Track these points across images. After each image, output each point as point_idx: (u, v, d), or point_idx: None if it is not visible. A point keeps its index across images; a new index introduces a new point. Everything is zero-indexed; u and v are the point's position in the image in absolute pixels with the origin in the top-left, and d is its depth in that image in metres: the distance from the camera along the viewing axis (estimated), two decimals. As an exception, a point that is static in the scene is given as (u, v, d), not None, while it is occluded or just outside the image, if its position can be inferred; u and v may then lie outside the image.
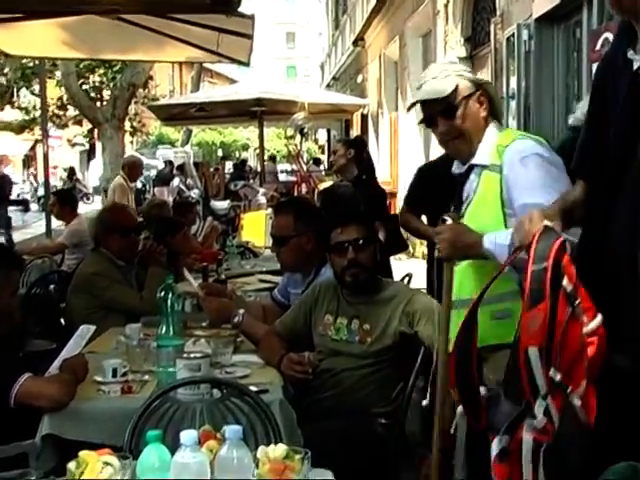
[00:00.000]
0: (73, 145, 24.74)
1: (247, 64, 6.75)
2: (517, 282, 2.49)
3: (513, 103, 6.87)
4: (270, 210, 11.31)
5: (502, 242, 2.40)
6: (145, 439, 1.80)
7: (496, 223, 2.55)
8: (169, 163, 22.90)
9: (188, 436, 1.75)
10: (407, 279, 4.81)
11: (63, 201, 7.24)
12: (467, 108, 2.64)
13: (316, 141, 36.11)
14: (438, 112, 2.66)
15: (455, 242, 2.47)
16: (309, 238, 3.74)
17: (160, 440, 1.79)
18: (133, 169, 9.37)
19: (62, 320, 4.80)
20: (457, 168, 2.78)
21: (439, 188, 2.98)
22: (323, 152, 31.04)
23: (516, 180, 2.54)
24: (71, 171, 26.83)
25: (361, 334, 3.24)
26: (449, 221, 2.52)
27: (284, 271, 4.04)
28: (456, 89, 2.63)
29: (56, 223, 8.04)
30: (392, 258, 6.08)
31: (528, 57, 6.66)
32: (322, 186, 10.06)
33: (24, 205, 23.86)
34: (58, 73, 17.25)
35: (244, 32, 5.76)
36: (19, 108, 24.01)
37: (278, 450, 1.85)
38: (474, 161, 2.67)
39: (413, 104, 2.72)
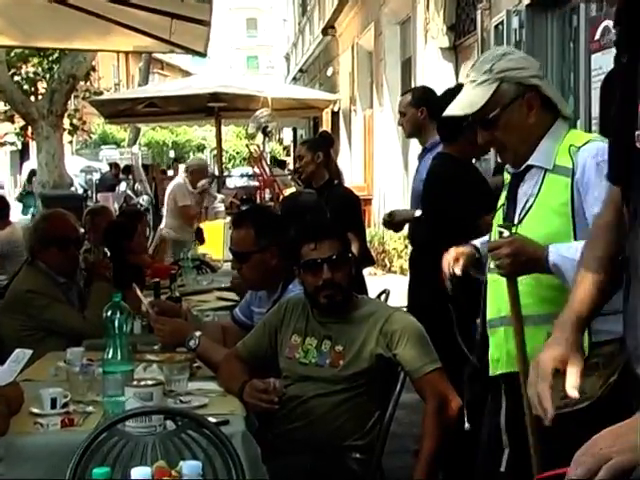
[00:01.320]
0: (2, 144, 24.46)
1: (204, 55, 6.74)
2: None
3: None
4: (229, 219, 11.31)
5: (571, 256, 2.38)
6: (91, 478, 1.80)
7: (563, 233, 2.55)
8: (114, 166, 22.81)
9: (140, 473, 1.75)
10: (384, 296, 4.83)
11: None
12: (509, 118, 2.65)
13: (280, 141, 36.15)
14: (477, 123, 2.69)
15: (518, 256, 2.47)
16: (272, 253, 3.76)
17: (108, 478, 1.78)
18: (198, 173, 9.51)
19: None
20: (510, 167, 2.79)
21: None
22: (288, 154, 31.07)
23: (591, 185, 2.54)
24: (32, 173, 26.73)
25: (333, 356, 3.25)
26: (505, 233, 2.52)
27: (247, 289, 4.05)
28: (494, 97, 2.62)
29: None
30: (366, 273, 6.11)
31: (518, 47, 6.74)
32: (287, 192, 10.07)
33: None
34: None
35: (201, 18, 5.75)
36: (-61, 102, 23.78)
37: (241, 489, 1.85)
38: (533, 162, 2.68)
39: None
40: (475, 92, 2.65)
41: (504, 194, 2.82)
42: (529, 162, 2.69)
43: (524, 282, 2.59)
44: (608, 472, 1.45)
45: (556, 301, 2.54)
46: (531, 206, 2.66)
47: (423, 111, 5.16)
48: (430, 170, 4.48)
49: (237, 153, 37.52)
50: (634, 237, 1.80)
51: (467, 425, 2.68)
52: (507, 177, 2.84)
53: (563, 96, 6.36)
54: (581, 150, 2.61)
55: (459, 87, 3.02)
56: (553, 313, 2.54)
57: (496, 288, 2.66)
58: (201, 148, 39.78)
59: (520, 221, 2.66)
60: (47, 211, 5.08)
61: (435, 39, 10.33)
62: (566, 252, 2.44)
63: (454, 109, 2.71)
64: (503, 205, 2.78)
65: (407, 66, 12.46)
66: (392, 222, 5.26)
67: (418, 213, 5.06)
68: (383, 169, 14.30)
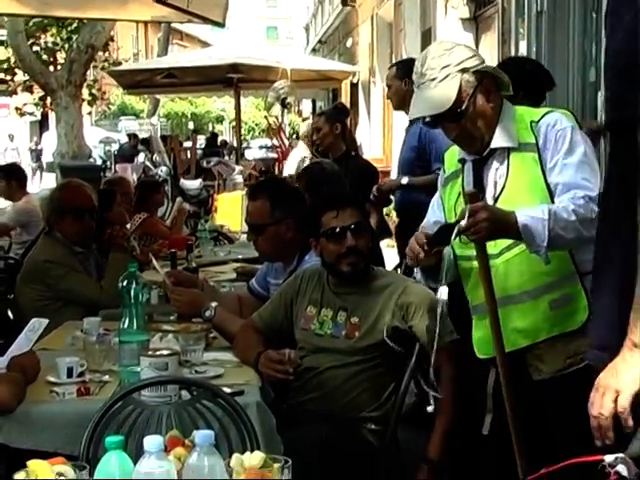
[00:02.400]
0: (22, 115, 24.50)
1: (222, 25, 6.69)
2: (571, 261, 2.61)
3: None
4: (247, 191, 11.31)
5: (539, 216, 2.47)
6: (104, 446, 1.80)
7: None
8: (133, 137, 22.83)
9: (153, 442, 1.75)
10: (400, 268, 4.82)
11: (9, 177, 7.18)
12: (475, 107, 2.68)
13: (299, 113, 36.03)
14: (444, 118, 2.69)
15: (494, 221, 2.48)
16: (288, 225, 3.75)
17: (121, 447, 1.79)
18: None
19: (10, 313, 4.78)
20: (467, 155, 2.80)
21: None
22: (307, 126, 30.95)
23: (550, 154, 2.63)
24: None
25: (348, 328, 3.24)
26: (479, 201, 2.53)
27: (263, 261, 4.05)
28: (460, 89, 2.64)
29: (5, 203, 7.98)
30: (383, 245, 6.11)
31: (540, 18, 6.67)
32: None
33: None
34: (4, 32, 17.11)
35: (218, -13, 5.72)
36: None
37: (254, 458, 1.85)
38: (497, 144, 2.71)
39: (416, 118, 2.80)
40: (440, 89, 2.65)
41: (457, 182, 2.82)
42: (492, 145, 2.72)
43: (514, 261, 2.64)
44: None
45: (549, 272, 2.63)
46: (503, 187, 2.69)
47: (407, 82, 5.17)
48: None
49: (256, 125, 37.47)
50: None
51: (430, 408, 2.70)
52: (457, 166, 2.84)
53: (584, 67, 6.31)
54: (540, 123, 2.67)
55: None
56: (549, 283, 2.65)
57: (498, 273, 2.67)
58: (220, 119, 39.74)
59: (494, 203, 2.67)
60: (63, 181, 5.08)
61: (455, 9, 10.23)
62: (533, 213, 2.51)
63: (423, 110, 2.70)
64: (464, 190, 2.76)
65: (427, 37, 12.34)
66: (380, 195, 5.28)
67: (405, 180, 5.09)
68: (402, 141, 14.22)
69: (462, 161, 2.82)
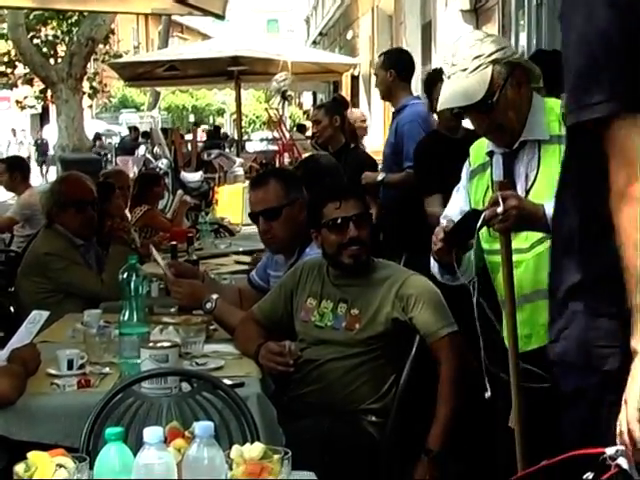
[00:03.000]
0: (23, 108, 24.50)
1: (222, 17, 6.70)
2: None
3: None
4: (248, 183, 11.29)
5: None
6: (104, 438, 1.80)
7: None
8: (134, 129, 22.83)
9: (152, 434, 1.75)
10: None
11: (13, 169, 7.17)
12: (506, 98, 2.65)
13: (300, 105, 36.03)
14: (474, 109, 2.66)
15: (523, 210, 2.46)
16: (301, 205, 3.71)
17: (121, 438, 1.79)
18: None
19: (11, 306, 4.79)
20: (496, 147, 2.78)
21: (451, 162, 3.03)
22: (308, 118, 30.95)
23: None
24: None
25: (349, 320, 3.24)
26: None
27: (276, 252, 3.89)
28: (491, 80, 2.61)
29: (6, 195, 7.99)
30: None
31: (540, 9, 6.66)
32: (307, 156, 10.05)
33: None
34: (4, 25, 17.09)
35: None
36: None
37: (254, 450, 1.86)
38: (527, 136, 2.69)
39: (448, 109, 2.72)
40: (472, 80, 2.62)
41: (485, 175, 2.80)
42: (523, 138, 2.70)
43: (545, 255, 2.58)
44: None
45: None
46: (534, 181, 2.67)
47: (391, 73, 5.17)
48: None
49: (257, 117, 37.44)
50: None
51: (488, 393, 2.67)
52: (484, 159, 2.81)
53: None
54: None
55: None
56: None
57: (528, 267, 2.66)
58: (221, 112, 39.70)
59: (525, 196, 2.64)
60: (64, 173, 5.08)
61: (456, 1, 10.21)
62: None
63: (454, 101, 2.66)
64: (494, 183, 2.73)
65: (427, 29, 12.33)
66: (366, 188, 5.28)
67: (380, 177, 5.08)
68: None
69: (490, 154, 2.79)
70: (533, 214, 2.48)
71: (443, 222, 2.77)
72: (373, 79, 18.81)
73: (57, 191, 4.63)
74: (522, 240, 2.64)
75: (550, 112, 2.73)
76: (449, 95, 2.68)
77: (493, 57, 2.63)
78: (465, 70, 2.63)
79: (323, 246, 3.35)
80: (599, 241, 1.85)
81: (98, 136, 24.35)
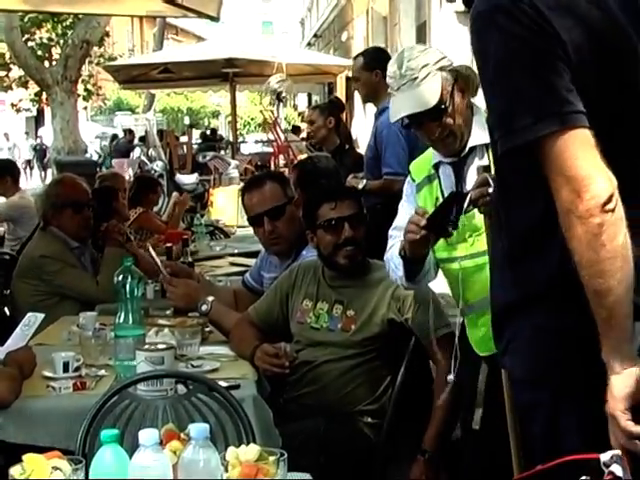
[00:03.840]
0: (18, 110, 24.49)
1: (217, 19, 6.69)
2: None
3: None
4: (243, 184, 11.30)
5: None
6: (100, 440, 1.80)
7: None
8: (129, 132, 22.81)
9: (148, 436, 1.75)
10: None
11: (3, 173, 7.13)
12: (454, 104, 2.70)
13: (295, 107, 36.03)
14: (426, 117, 2.69)
15: None
16: (297, 203, 3.76)
17: (117, 440, 1.79)
18: None
19: (6, 309, 4.78)
20: (443, 157, 2.78)
21: None
22: (303, 119, 30.97)
23: None
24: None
25: (344, 321, 3.25)
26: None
27: (279, 253, 3.86)
28: (441, 88, 2.67)
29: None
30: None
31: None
32: (302, 157, 10.06)
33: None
34: (-1, 28, 17.09)
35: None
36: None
37: (250, 451, 1.85)
38: (475, 142, 2.72)
39: (401, 119, 2.72)
40: (423, 88, 2.66)
41: (433, 187, 2.79)
42: (471, 143, 2.72)
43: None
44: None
45: None
46: (490, 182, 2.65)
47: (377, 74, 5.12)
48: None
49: (252, 119, 37.43)
50: None
51: (451, 376, 2.69)
52: (429, 172, 2.81)
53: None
54: None
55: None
56: None
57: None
58: (216, 114, 39.67)
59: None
60: (58, 176, 5.08)
61: (451, 2, 10.21)
62: None
63: (409, 109, 2.68)
64: (443, 193, 2.75)
65: (422, 30, 12.34)
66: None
67: (361, 185, 5.00)
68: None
69: (436, 166, 2.80)
70: None
71: (391, 233, 2.77)
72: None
73: (53, 193, 4.63)
74: (484, 243, 2.65)
75: None
76: (403, 104, 2.70)
77: (439, 64, 2.70)
78: (416, 79, 2.67)
79: (319, 247, 3.35)
80: (526, 263, 1.87)
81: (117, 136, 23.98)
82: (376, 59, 5.25)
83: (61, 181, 4.81)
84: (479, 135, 2.72)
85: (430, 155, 2.84)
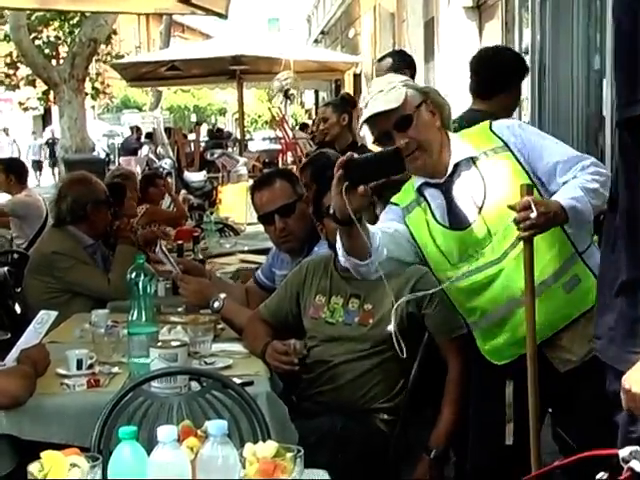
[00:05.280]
0: (25, 109, 24.53)
1: (225, 17, 6.68)
2: (569, 243, 2.62)
3: (527, 60, 6.87)
4: (252, 182, 11.30)
5: (577, 194, 2.51)
6: (118, 436, 1.81)
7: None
8: (136, 129, 22.82)
9: (167, 432, 1.75)
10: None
11: (8, 171, 7.13)
12: (421, 117, 2.71)
13: (302, 104, 36.01)
14: (392, 126, 2.69)
15: (549, 213, 2.46)
16: (306, 200, 3.75)
17: (135, 437, 1.79)
18: None
19: (17, 307, 4.79)
20: (430, 179, 2.76)
21: None
22: (310, 117, 30.95)
23: (535, 140, 2.69)
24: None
25: (362, 315, 3.21)
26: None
27: (290, 251, 3.84)
28: (406, 99, 2.69)
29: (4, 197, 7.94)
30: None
31: (544, 6, 6.64)
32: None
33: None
34: (6, 27, 17.10)
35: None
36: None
37: (267, 448, 1.85)
38: (458, 158, 2.71)
39: (364, 122, 2.74)
40: (388, 96, 2.69)
41: (422, 210, 2.76)
42: (454, 160, 2.71)
43: (520, 257, 2.58)
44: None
45: (554, 258, 2.64)
46: (485, 194, 2.67)
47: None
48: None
49: (259, 116, 37.44)
50: None
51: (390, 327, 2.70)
52: (415, 195, 2.78)
53: (589, 56, 6.29)
54: (498, 125, 2.77)
55: None
56: (557, 269, 2.65)
57: (508, 274, 2.65)
58: (223, 112, 39.69)
59: (480, 211, 2.66)
60: (74, 174, 5.05)
61: (458, -2, 10.20)
62: (569, 194, 2.53)
63: (376, 108, 2.69)
64: (434, 215, 2.73)
65: (430, 26, 12.31)
66: None
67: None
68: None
69: (420, 189, 2.78)
70: (558, 215, 2.49)
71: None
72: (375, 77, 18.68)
73: (73, 191, 4.57)
74: (491, 254, 2.65)
75: (472, 134, 2.80)
76: (368, 110, 2.72)
77: (405, 82, 2.75)
78: (381, 91, 2.71)
79: (328, 238, 3.33)
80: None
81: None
82: (407, 60, 5.36)
83: (81, 179, 4.78)
84: (460, 150, 2.72)
85: (411, 182, 2.82)
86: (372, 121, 2.71)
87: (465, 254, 2.69)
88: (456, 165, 2.72)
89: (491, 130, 2.76)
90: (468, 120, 4.02)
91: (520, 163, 2.66)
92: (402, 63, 5.23)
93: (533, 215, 2.40)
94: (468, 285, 2.71)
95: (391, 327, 2.64)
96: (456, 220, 2.70)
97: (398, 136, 2.68)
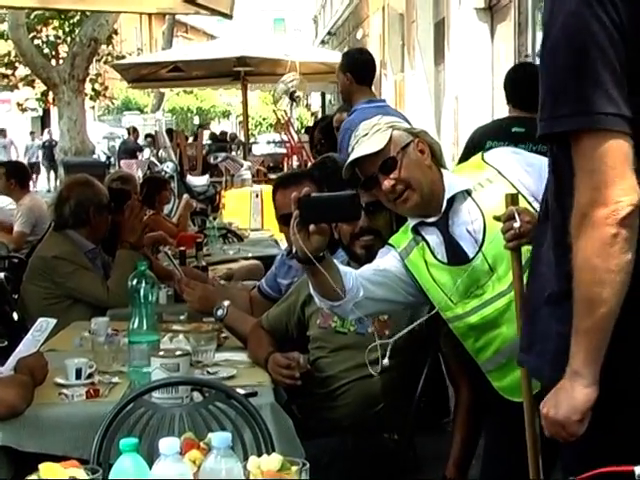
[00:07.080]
0: (24, 110, 24.58)
1: (230, 17, 6.69)
2: None
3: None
4: (256, 187, 11.30)
5: None
6: (118, 448, 1.81)
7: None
8: (132, 130, 22.85)
9: (169, 445, 1.75)
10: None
11: (9, 175, 7.14)
12: (407, 158, 2.71)
13: (308, 107, 36.03)
14: (378, 169, 2.70)
15: (533, 221, 2.42)
16: None
17: (136, 449, 1.79)
18: None
19: (15, 314, 4.79)
20: (421, 221, 2.76)
21: None
22: (316, 119, 30.97)
23: (530, 162, 2.72)
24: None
25: (376, 325, 3.14)
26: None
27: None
28: (390, 141, 2.71)
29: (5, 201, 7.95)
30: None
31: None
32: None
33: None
34: (4, 25, 17.16)
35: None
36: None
37: (272, 461, 1.85)
38: (452, 192, 2.72)
39: (348, 170, 2.76)
40: (373, 139, 2.71)
41: (420, 250, 2.75)
42: (448, 196, 2.72)
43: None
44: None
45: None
46: (484, 225, 2.67)
47: (348, 77, 5.32)
48: None
49: (264, 119, 37.49)
50: None
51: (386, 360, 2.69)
52: (410, 236, 2.78)
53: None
54: (489, 155, 2.80)
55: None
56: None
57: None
58: (226, 114, 39.75)
59: (481, 245, 2.66)
60: (77, 177, 5.05)
61: (470, -1, 10.22)
62: None
63: (362, 151, 2.71)
64: (434, 253, 2.73)
65: (440, 28, 12.33)
66: None
67: None
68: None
69: (415, 228, 2.78)
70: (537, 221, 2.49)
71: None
72: (383, 79, 18.84)
73: (75, 195, 4.58)
74: (499, 283, 2.64)
75: (467, 165, 2.85)
76: (352, 155, 2.74)
77: (390, 124, 2.77)
78: (366, 135, 2.74)
79: (341, 240, 3.31)
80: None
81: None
82: (350, 61, 5.57)
83: (84, 182, 4.78)
84: (454, 185, 2.73)
85: (407, 225, 2.83)
86: (358, 166, 2.74)
87: (470, 289, 2.67)
88: (451, 200, 2.72)
89: (483, 160, 2.79)
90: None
91: (515, 187, 2.65)
92: (349, 64, 5.40)
93: (516, 225, 2.39)
94: (479, 320, 2.69)
95: (386, 361, 2.67)
96: (456, 256, 2.69)
97: (383, 179, 2.70)
